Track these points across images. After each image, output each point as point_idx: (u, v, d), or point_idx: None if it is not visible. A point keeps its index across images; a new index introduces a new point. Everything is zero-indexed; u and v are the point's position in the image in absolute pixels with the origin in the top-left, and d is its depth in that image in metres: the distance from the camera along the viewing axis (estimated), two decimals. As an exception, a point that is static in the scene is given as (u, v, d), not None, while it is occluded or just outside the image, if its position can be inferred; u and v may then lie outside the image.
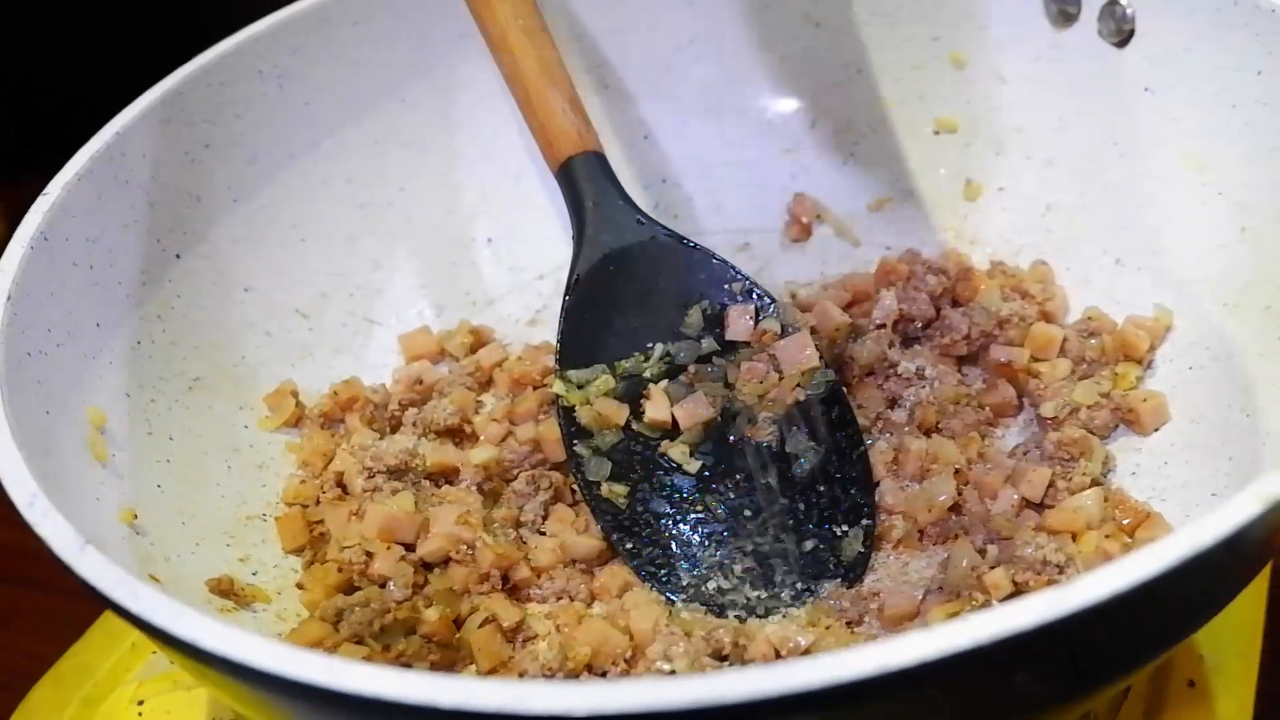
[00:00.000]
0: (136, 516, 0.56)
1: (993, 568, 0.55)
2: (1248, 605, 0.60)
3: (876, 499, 0.61)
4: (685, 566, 0.59)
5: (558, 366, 0.65)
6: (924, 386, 0.64)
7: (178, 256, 0.67)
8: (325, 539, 0.62)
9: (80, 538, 0.45)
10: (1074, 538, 0.57)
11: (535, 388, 0.68)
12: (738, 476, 0.62)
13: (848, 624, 0.56)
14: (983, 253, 0.73)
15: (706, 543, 0.60)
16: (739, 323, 0.65)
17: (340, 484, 0.64)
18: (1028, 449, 0.62)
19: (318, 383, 0.71)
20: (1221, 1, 0.62)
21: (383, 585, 0.58)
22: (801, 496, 0.61)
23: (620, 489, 0.61)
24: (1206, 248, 0.64)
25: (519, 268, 0.78)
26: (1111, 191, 0.69)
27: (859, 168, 0.78)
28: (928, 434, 0.63)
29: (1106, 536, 0.57)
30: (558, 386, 0.64)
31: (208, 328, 0.68)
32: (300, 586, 0.60)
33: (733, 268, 0.67)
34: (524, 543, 0.61)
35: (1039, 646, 0.36)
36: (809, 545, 0.59)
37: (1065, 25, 0.71)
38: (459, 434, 0.67)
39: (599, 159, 0.69)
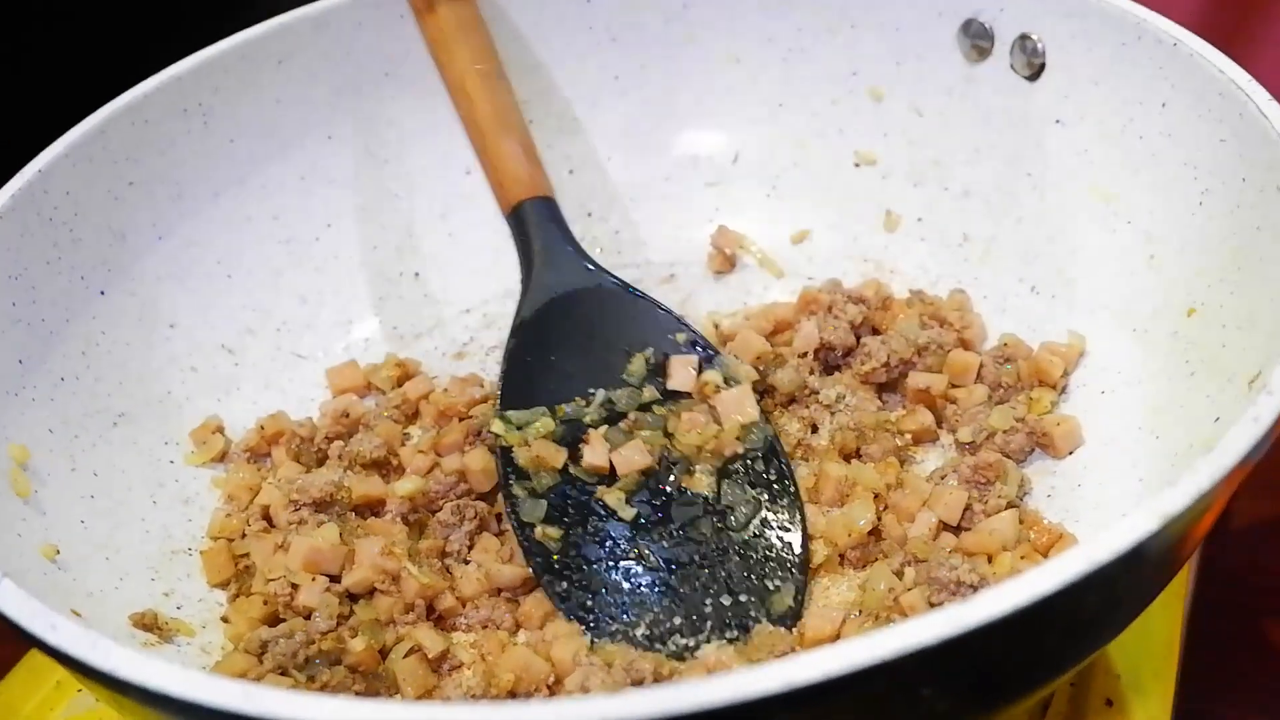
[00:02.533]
0: (59, 552, 0.57)
1: (910, 590, 0.56)
2: (1164, 624, 0.61)
3: None
4: (615, 612, 0.59)
5: (498, 406, 0.65)
6: (844, 413, 0.65)
7: (102, 293, 0.67)
8: (250, 572, 0.62)
9: (-2, 571, 0.45)
10: (990, 559, 0.59)
11: (461, 419, 0.68)
12: (673, 526, 0.61)
13: (780, 655, 0.57)
14: (902, 282, 0.74)
15: (637, 590, 0.59)
16: (681, 373, 0.66)
17: (266, 517, 0.64)
18: (945, 473, 0.63)
19: (244, 417, 0.71)
20: (1126, 36, 0.64)
21: (308, 617, 0.58)
22: (736, 549, 0.61)
23: (554, 532, 0.61)
24: (1116, 275, 0.66)
25: (445, 302, 0.78)
26: (1025, 222, 0.71)
27: (781, 200, 0.80)
28: (847, 459, 0.64)
29: (1021, 557, 0.58)
30: (496, 426, 0.64)
31: (133, 364, 0.68)
32: (225, 620, 0.60)
33: (678, 318, 0.68)
34: (449, 572, 0.61)
35: (943, 661, 0.37)
36: (741, 598, 0.59)
37: (979, 59, 0.72)
38: (385, 466, 0.67)
39: (548, 204, 0.70)
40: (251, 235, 0.75)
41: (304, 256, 0.77)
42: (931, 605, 0.55)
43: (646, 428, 0.64)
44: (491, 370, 0.74)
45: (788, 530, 0.61)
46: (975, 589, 0.55)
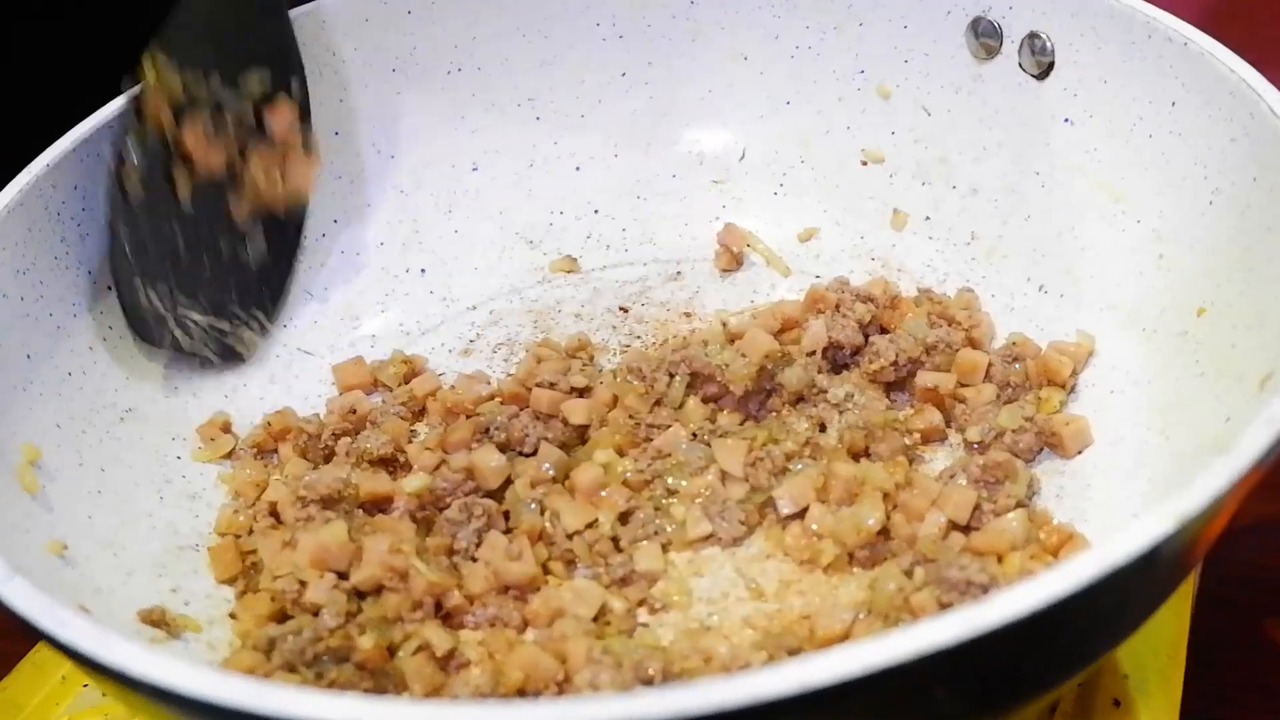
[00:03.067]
0: (66, 548, 0.57)
1: (919, 589, 0.56)
2: (1171, 625, 0.61)
3: (805, 521, 0.61)
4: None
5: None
6: (852, 412, 0.65)
7: (109, 289, 0.67)
8: (258, 569, 0.62)
9: (8, 567, 0.45)
10: (999, 559, 0.58)
11: (468, 416, 0.68)
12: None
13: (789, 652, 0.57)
14: (909, 280, 0.74)
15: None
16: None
17: (273, 513, 0.64)
18: (954, 472, 0.63)
19: (250, 413, 0.71)
20: (1136, 35, 0.64)
21: (315, 614, 0.58)
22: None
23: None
24: (1125, 275, 0.66)
25: (452, 298, 0.78)
26: (1033, 220, 0.71)
27: (788, 198, 0.80)
28: (856, 459, 0.64)
29: (1031, 557, 0.58)
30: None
31: (140, 359, 0.68)
32: (233, 616, 0.60)
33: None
34: (457, 570, 0.61)
35: (957, 663, 0.37)
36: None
37: (987, 57, 0.72)
38: (392, 463, 0.67)
39: None
40: (258, 231, 0.75)
41: (310, 252, 0.77)
42: (942, 605, 0.55)
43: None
44: (498, 367, 0.74)
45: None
46: (985, 589, 0.55)
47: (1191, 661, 0.60)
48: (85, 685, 0.63)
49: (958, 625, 0.37)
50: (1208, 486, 0.40)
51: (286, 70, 0.71)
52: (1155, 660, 0.60)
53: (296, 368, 0.74)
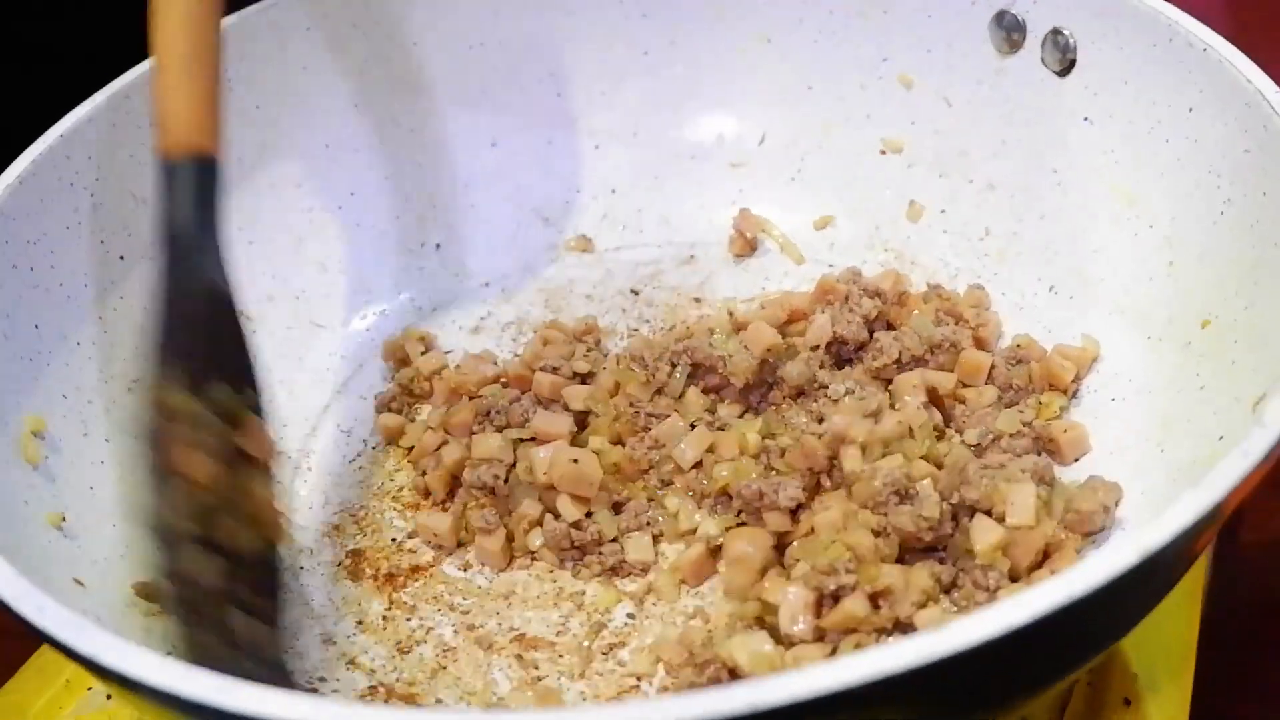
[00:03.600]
0: (65, 519, 0.57)
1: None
2: (1181, 624, 0.61)
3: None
4: None
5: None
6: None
7: (121, 258, 0.68)
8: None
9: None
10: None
11: (471, 398, 0.68)
12: None
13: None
14: (922, 274, 0.74)
15: None
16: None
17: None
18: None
19: (262, 385, 0.71)
20: (1157, 37, 0.63)
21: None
22: None
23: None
24: (1135, 280, 0.65)
25: (465, 274, 0.79)
26: (1047, 219, 0.70)
27: (805, 185, 0.79)
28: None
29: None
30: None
31: (149, 329, 0.68)
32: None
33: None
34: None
35: (915, 684, 0.37)
36: None
37: (1010, 52, 0.71)
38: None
39: (203, 168, 0.59)
40: (274, 202, 0.75)
41: (325, 225, 0.77)
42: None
43: None
44: (507, 346, 0.74)
45: None
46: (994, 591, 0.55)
47: (1201, 661, 0.60)
48: (90, 689, 0.63)
49: (913, 651, 0.37)
50: (1174, 520, 0.40)
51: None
52: (1166, 660, 0.60)
53: (308, 340, 0.75)
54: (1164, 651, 0.60)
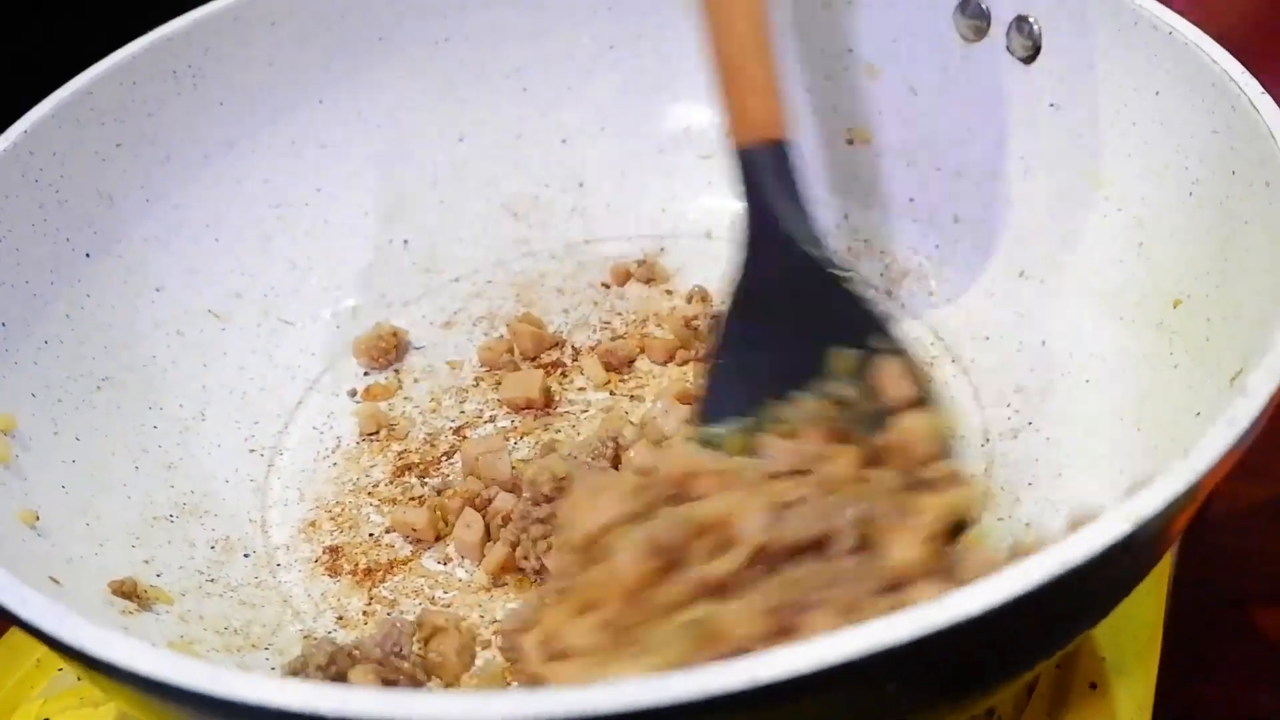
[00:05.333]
0: (39, 518, 0.56)
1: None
2: (1147, 609, 0.61)
3: None
4: None
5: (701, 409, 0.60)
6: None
7: (87, 255, 0.67)
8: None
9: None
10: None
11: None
12: None
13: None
14: (893, 263, 0.74)
15: None
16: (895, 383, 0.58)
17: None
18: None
19: (230, 383, 0.71)
20: (1122, 21, 0.64)
21: None
22: None
23: None
24: (1105, 262, 0.66)
25: (435, 270, 0.78)
26: (1016, 205, 0.71)
27: (774, 175, 0.79)
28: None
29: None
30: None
31: (118, 327, 0.68)
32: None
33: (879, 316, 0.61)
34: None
35: (907, 660, 0.37)
36: None
37: (975, 40, 0.72)
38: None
39: (782, 151, 0.64)
40: (240, 199, 0.74)
41: (293, 221, 0.76)
42: None
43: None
44: (478, 340, 0.74)
45: None
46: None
47: (1172, 647, 0.61)
48: (60, 669, 0.63)
49: (907, 624, 0.37)
50: (1166, 488, 0.40)
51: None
52: (1132, 643, 0.60)
53: (277, 337, 0.74)
54: (1131, 636, 0.60)
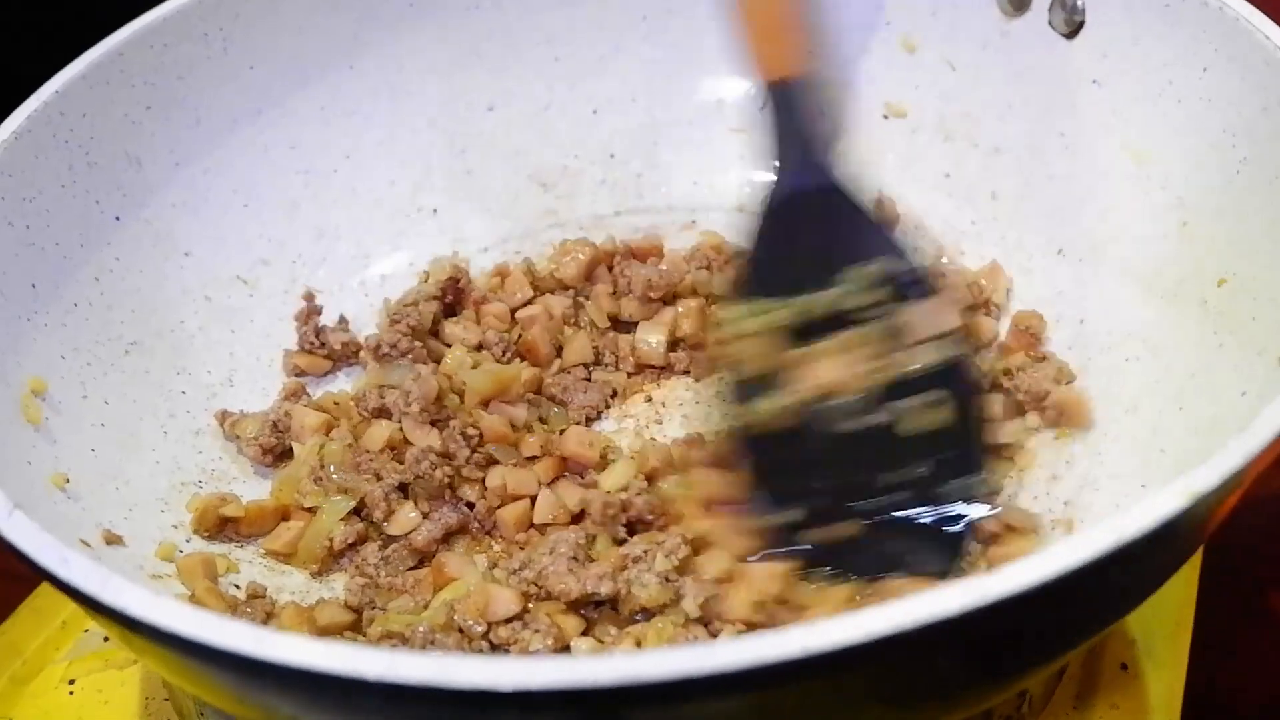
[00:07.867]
0: (69, 481, 0.56)
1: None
2: (1179, 591, 0.61)
3: None
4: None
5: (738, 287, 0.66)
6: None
7: (117, 219, 0.66)
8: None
9: (9, 502, 0.44)
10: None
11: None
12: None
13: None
14: (927, 238, 0.73)
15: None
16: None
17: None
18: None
19: (256, 350, 0.70)
20: (1170, -3, 0.63)
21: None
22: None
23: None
24: (1147, 240, 0.65)
25: (462, 239, 0.78)
26: (1055, 181, 0.70)
27: (807, 150, 0.78)
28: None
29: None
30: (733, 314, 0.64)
31: (146, 291, 0.67)
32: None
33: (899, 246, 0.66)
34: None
35: (961, 633, 0.37)
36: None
37: (1016, 14, 0.71)
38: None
39: (802, 87, 0.70)
40: (269, 165, 0.74)
41: (321, 188, 0.76)
42: None
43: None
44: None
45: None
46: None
47: (1198, 630, 0.60)
48: (86, 630, 0.62)
49: (962, 596, 0.36)
50: (1224, 463, 0.40)
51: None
52: (1163, 626, 0.60)
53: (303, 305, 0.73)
54: (1161, 619, 0.60)
